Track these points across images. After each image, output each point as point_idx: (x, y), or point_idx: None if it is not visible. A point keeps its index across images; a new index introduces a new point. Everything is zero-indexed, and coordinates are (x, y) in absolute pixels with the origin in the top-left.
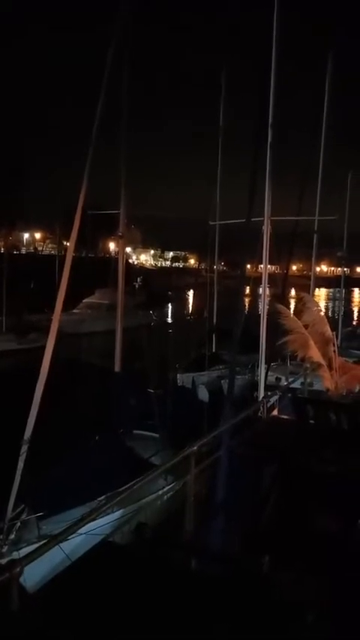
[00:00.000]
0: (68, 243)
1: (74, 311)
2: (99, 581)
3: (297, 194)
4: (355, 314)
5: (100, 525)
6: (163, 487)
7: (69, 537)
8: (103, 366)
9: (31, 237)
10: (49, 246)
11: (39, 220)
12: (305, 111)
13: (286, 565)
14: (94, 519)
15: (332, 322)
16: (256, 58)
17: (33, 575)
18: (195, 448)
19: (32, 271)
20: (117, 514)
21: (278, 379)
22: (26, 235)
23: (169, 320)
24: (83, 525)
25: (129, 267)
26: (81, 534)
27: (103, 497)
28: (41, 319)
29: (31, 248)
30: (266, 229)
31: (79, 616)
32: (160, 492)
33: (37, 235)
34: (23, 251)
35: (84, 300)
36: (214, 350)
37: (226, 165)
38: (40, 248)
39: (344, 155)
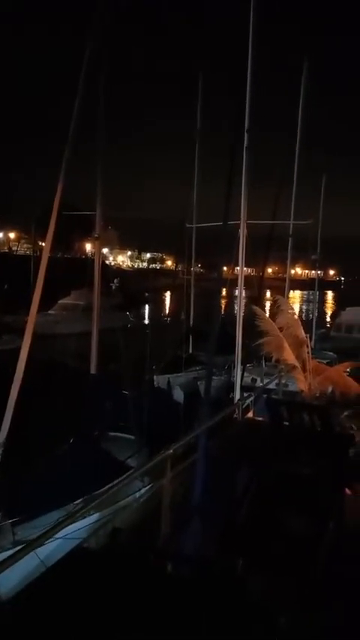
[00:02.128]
0: (44, 244)
1: (50, 312)
2: (74, 587)
3: (273, 198)
4: (328, 316)
5: (76, 529)
6: (139, 490)
7: (44, 543)
8: (79, 368)
9: (5, 236)
10: (24, 246)
11: (13, 220)
12: (281, 115)
13: (260, 567)
14: (69, 524)
15: (306, 324)
16: (233, 63)
17: (7, 582)
18: (171, 451)
19: (6, 272)
20: (93, 518)
21: (254, 380)
22: (0, 235)
23: (146, 321)
24: (59, 530)
25: (105, 268)
26: (57, 539)
27: (78, 500)
28: (16, 320)
29: (5, 248)
30: (242, 232)
31: (54, 623)
32: (137, 495)
33: (12, 235)
34: None
35: (60, 302)
36: (190, 351)
37: (203, 168)
38: (14, 248)
39: (319, 159)
